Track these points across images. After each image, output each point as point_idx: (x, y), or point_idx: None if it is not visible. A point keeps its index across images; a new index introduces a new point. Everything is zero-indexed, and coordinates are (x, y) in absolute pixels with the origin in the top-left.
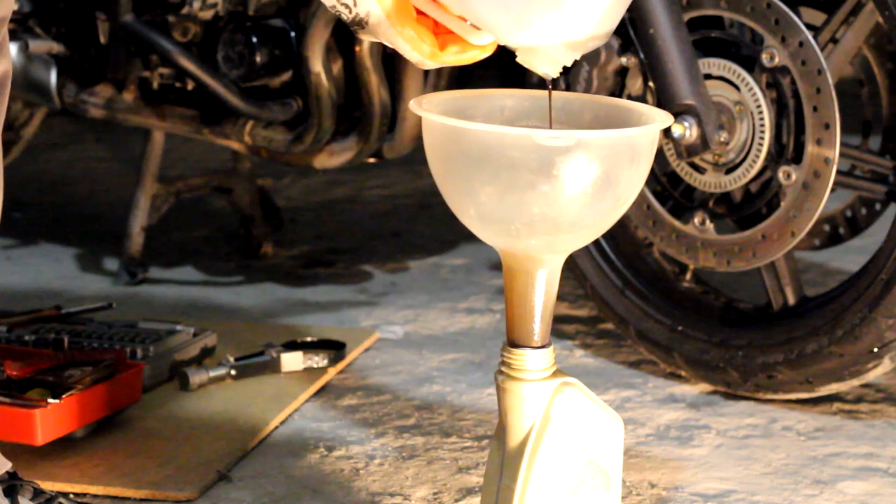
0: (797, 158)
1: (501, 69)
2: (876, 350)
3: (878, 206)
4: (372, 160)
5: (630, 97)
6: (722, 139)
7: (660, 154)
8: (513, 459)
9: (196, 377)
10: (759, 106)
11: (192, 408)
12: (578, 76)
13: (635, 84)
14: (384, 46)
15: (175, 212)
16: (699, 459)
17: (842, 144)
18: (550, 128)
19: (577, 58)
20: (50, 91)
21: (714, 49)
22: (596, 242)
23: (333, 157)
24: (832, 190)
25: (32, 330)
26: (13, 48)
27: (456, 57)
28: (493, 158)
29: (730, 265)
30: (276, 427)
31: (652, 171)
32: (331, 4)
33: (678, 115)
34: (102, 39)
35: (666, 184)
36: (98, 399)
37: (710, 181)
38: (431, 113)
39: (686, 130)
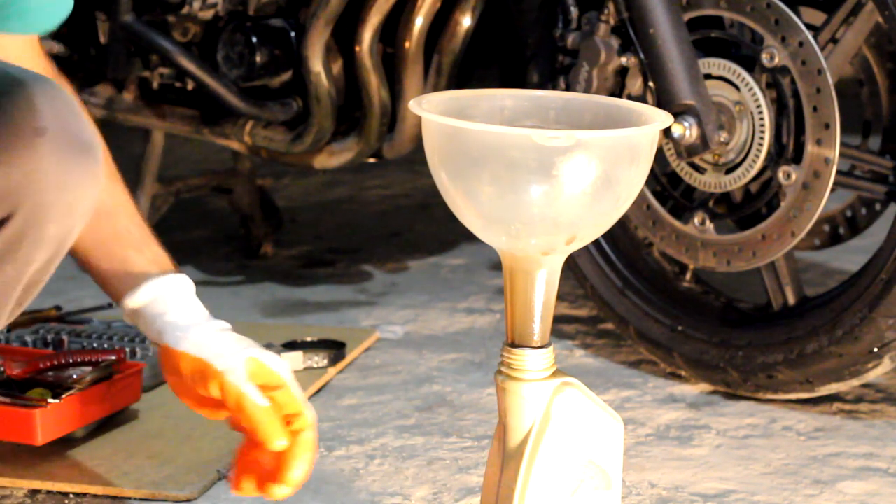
0: (797, 158)
1: (501, 69)
2: (876, 350)
3: (878, 206)
4: (372, 160)
5: (630, 97)
6: (722, 139)
7: (660, 154)
8: (513, 459)
9: None
10: (759, 106)
11: None
12: (578, 76)
13: (635, 84)
14: (384, 46)
15: (175, 212)
16: (699, 459)
17: (842, 144)
18: None
19: None
20: None
21: (714, 49)
22: (596, 242)
23: (333, 157)
24: (832, 190)
25: (32, 330)
26: None
27: None
28: (493, 158)
29: (730, 265)
30: None
31: (652, 171)
32: None
33: (678, 115)
34: (102, 39)
35: (666, 184)
36: (98, 399)
37: (710, 181)
38: (431, 113)
39: (686, 130)
